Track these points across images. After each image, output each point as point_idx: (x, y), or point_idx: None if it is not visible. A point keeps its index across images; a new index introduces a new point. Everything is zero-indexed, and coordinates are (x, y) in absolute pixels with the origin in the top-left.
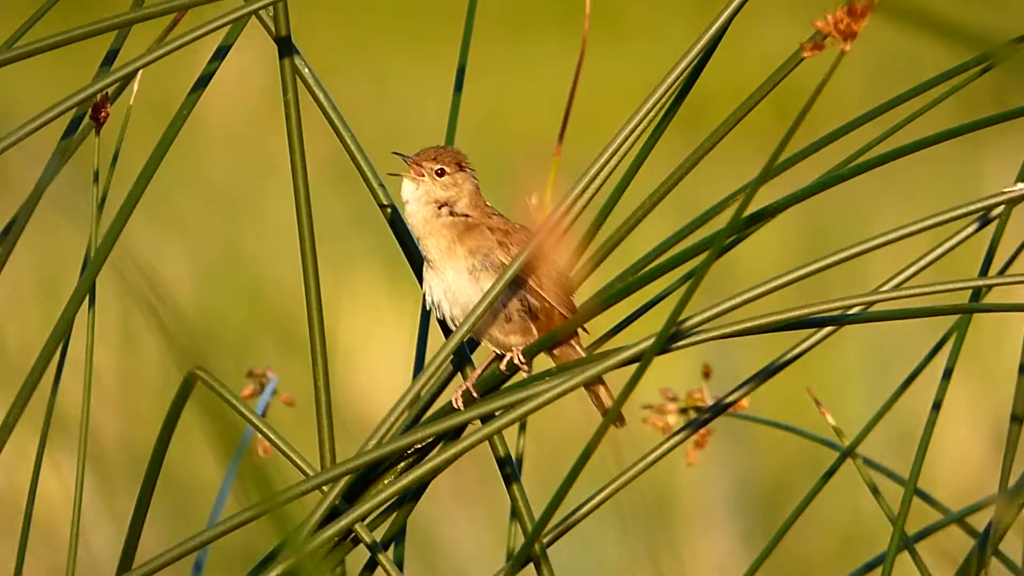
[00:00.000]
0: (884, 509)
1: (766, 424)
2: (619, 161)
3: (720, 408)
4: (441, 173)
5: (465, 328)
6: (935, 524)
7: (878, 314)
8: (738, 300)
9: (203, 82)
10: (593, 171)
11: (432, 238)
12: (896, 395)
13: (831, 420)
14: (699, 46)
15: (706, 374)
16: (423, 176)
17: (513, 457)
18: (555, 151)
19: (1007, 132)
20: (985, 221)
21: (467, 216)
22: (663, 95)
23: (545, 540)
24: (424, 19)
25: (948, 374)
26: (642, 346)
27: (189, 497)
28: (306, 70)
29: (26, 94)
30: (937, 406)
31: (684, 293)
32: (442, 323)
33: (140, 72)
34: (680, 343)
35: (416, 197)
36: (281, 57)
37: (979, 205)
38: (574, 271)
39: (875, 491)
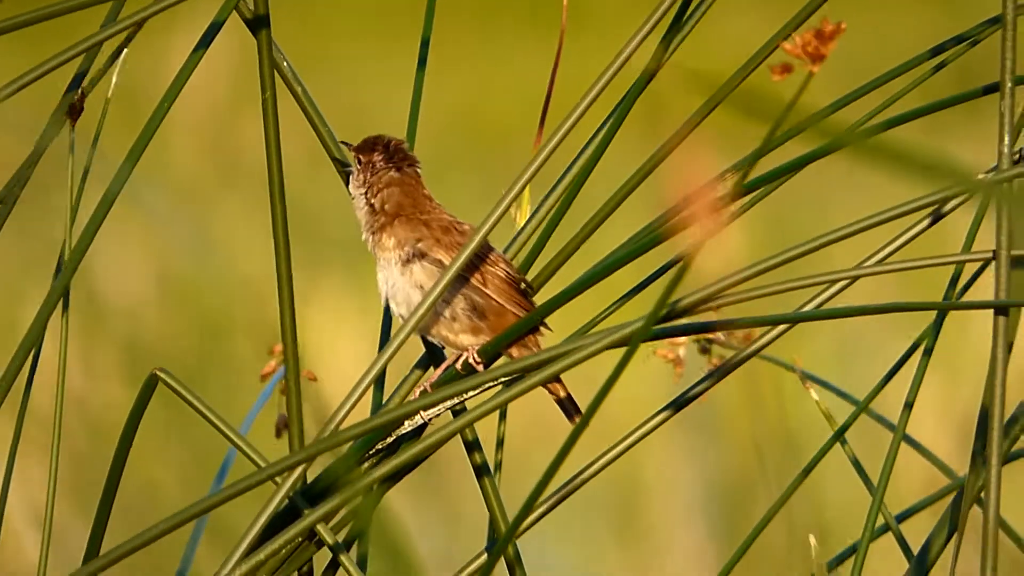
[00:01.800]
0: (873, 489)
1: (782, 366)
2: (581, 152)
3: (732, 362)
4: (359, 162)
5: (408, 327)
6: (906, 510)
7: (852, 309)
8: (718, 287)
9: (183, 76)
10: (538, 161)
11: (363, 230)
12: (877, 389)
13: (815, 395)
14: (650, 24)
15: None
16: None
17: (481, 447)
18: (535, 142)
19: (971, 124)
20: (939, 216)
21: (386, 208)
22: (611, 78)
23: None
24: (395, 13)
25: (920, 372)
26: (630, 329)
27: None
28: (284, 63)
29: None
30: (909, 406)
31: (676, 273)
32: (388, 320)
33: (118, 63)
34: (669, 323)
35: (350, 189)
36: (260, 50)
37: (942, 195)
38: (721, 239)
39: (865, 478)
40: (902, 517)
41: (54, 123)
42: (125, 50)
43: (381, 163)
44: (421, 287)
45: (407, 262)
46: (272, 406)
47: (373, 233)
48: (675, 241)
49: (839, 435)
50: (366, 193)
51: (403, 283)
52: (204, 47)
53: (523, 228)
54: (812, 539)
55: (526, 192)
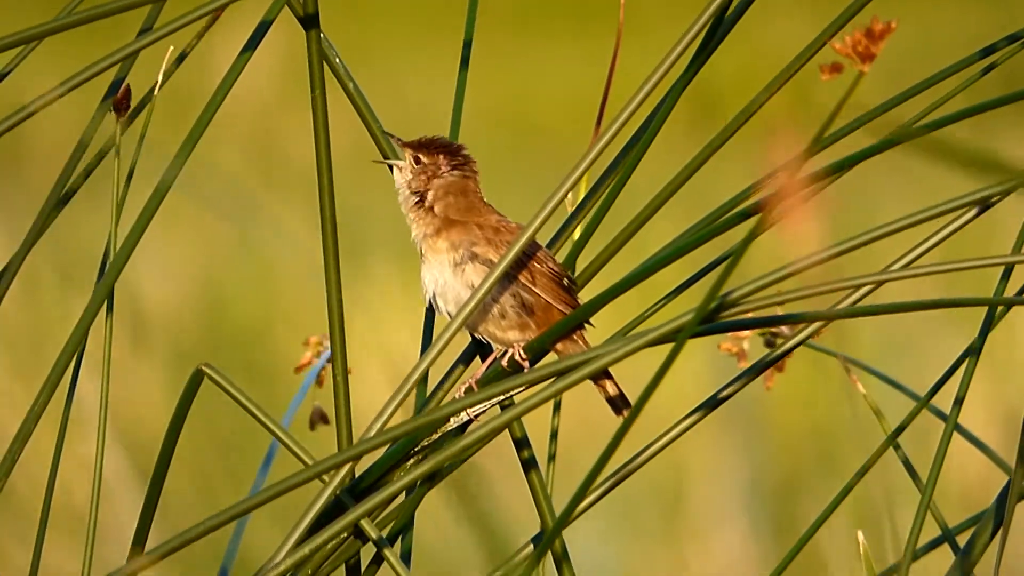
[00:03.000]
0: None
1: (829, 354)
2: (627, 152)
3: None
4: (417, 161)
5: (456, 323)
6: (950, 529)
7: (900, 305)
8: (766, 280)
9: (232, 74)
10: (591, 157)
11: (415, 228)
12: (935, 389)
13: (862, 389)
14: (698, 26)
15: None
16: (403, 163)
17: (530, 442)
18: (592, 137)
19: (1017, 124)
20: (984, 208)
21: (442, 210)
22: (660, 78)
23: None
24: (439, 13)
25: (970, 372)
26: (680, 321)
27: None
28: (336, 59)
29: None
30: (959, 402)
31: (727, 265)
32: (433, 318)
33: (164, 64)
34: (723, 315)
35: (399, 186)
36: (309, 47)
37: (985, 192)
38: (809, 229)
39: (914, 475)
40: (955, 529)
41: (100, 120)
42: (172, 48)
43: (446, 167)
44: (472, 286)
45: (459, 263)
46: (311, 401)
47: (427, 235)
48: (722, 239)
49: (894, 437)
50: (424, 194)
51: (455, 283)
52: (252, 48)
53: (571, 218)
54: (860, 536)
55: (584, 181)
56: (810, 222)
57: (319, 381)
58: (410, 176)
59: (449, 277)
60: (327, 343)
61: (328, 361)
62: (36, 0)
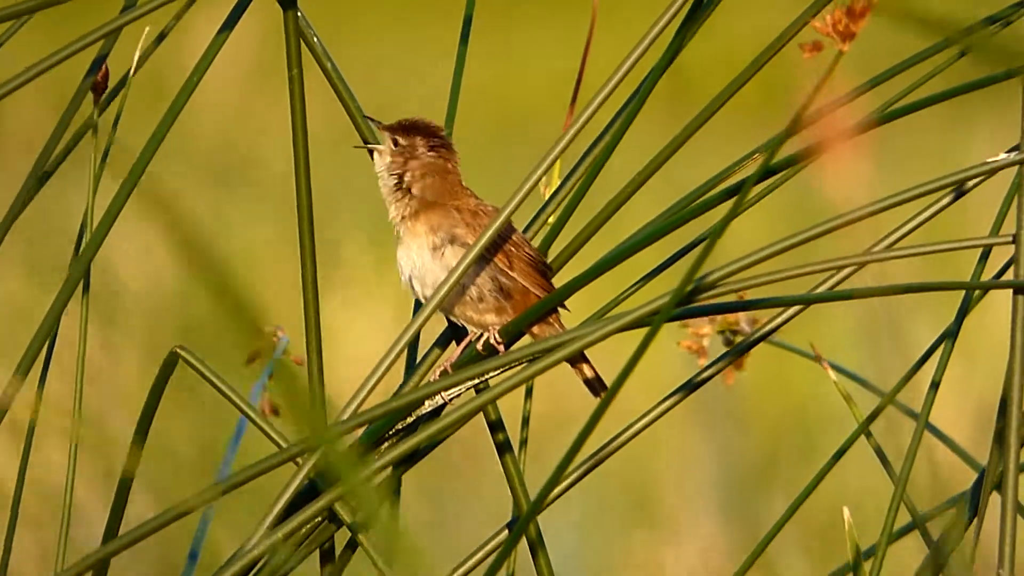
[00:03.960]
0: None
1: (798, 353)
2: (604, 136)
3: (754, 336)
4: (396, 143)
5: (432, 305)
6: (925, 514)
7: (873, 290)
8: (743, 263)
9: (207, 57)
10: (564, 142)
11: (392, 210)
12: (903, 382)
13: (833, 376)
14: (674, 9)
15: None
16: (382, 146)
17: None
18: (565, 121)
19: (990, 111)
20: (960, 193)
21: (421, 192)
22: (634, 62)
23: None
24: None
25: (944, 359)
26: (651, 307)
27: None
28: (315, 39)
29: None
30: (933, 391)
31: (705, 246)
32: (418, 301)
33: (139, 47)
34: (699, 297)
35: (380, 169)
36: (286, 27)
37: (962, 175)
38: (854, 172)
39: (887, 464)
40: (924, 515)
41: (76, 103)
42: (148, 28)
43: (423, 148)
44: (450, 269)
45: (438, 247)
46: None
47: (405, 217)
48: (697, 223)
49: (864, 427)
50: (402, 176)
51: (433, 265)
52: (230, 28)
53: (547, 204)
54: (846, 512)
55: (557, 166)
56: (854, 159)
57: (271, 374)
58: (389, 159)
59: (427, 260)
60: (282, 334)
61: (283, 353)
62: None
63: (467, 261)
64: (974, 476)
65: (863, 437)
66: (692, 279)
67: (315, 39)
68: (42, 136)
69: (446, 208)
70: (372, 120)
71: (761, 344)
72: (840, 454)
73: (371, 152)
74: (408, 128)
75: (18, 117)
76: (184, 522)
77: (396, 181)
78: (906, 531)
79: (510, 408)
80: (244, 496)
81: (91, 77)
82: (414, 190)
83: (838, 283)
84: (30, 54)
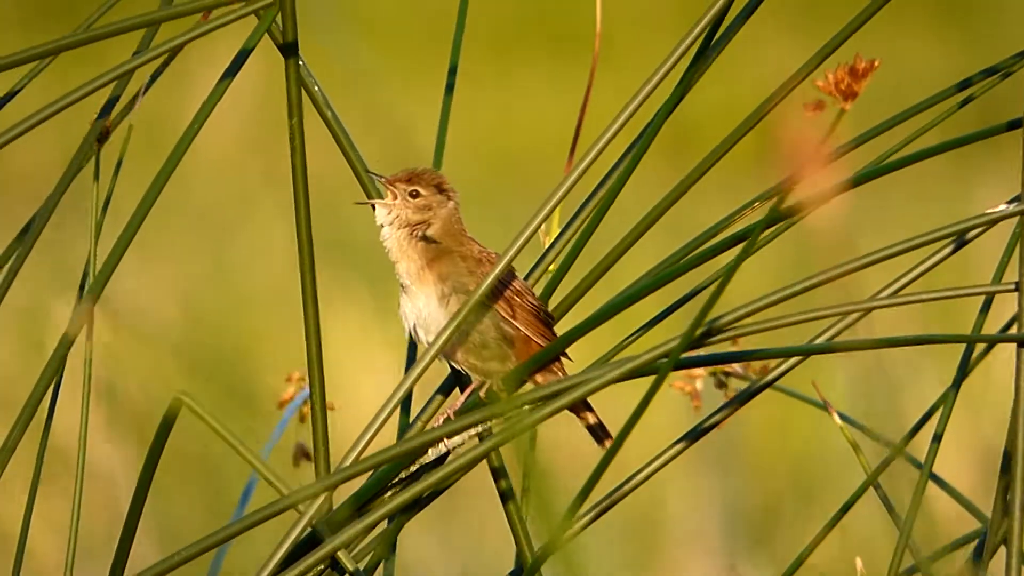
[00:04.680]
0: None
1: (804, 400)
2: (604, 184)
3: (752, 387)
4: (415, 195)
5: (433, 350)
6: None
7: (870, 342)
8: (746, 310)
9: (210, 103)
10: (564, 189)
11: (403, 262)
12: (913, 432)
13: (838, 420)
14: (676, 56)
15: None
16: (395, 199)
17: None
18: (566, 166)
19: (993, 158)
20: (962, 243)
21: (438, 241)
22: (633, 111)
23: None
24: (416, 44)
25: (948, 409)
26: (653, 354)
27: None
28: (316, 88)
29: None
30: (937, 440)
31: (715, 289)
32: (417, 349)
33: (142, 90)
34: (705, 343)
35: (388, 220)
36: (288, 76)
37: (963, 226)
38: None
39: (891, 511)
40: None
41: (82, 149)
42: (150, 76)
43: (428, 196)
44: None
45: (445, 295)
46: (293, 433)
47: (415, 267)
48: (694, 273)
49: (873, 478)
50: (423, 227)
51: (439, 314)
52: (232, 75)
53: (547, 251)
54: (859, 562)
55: (556, 214)
56: (826, 181)
57: (301, 417)
58: (408, 211)
59: (434, 309)
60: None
61: (308, 398)
62: (28, 23)
63: (467, 308)
64: (976, 524)
65: (877, 495)
66: (702, 323)
67: (316, 87)
68: (45, 177)
69: (452, 257)
70: (376, 175)
71: (776, 387)
72: (848, 507)
73: (373, 205)
74: (422, 179)
75: (21, 158)
76: (192, 570)
77: (410, 231)
78: (911, 572)
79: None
80: (255, 543)
81: (101, 120)
82: (429, 237)
83: (842, 330)
84: (33, 96)
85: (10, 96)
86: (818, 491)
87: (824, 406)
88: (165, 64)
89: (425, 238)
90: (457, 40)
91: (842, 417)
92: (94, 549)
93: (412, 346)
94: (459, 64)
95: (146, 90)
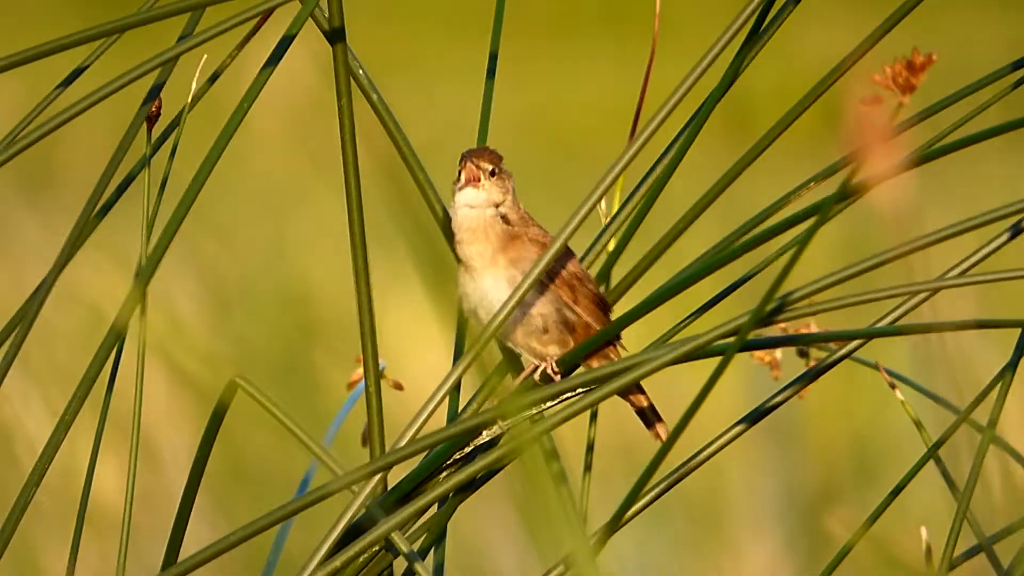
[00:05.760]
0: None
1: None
2: (661, 162)
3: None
4: (494, 173)
5: (492, 328)
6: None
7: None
8: (809, 290)
9: (256, 88)
10: (619, 166)
11: (477, 244)
12: (972, 406)
13: (900, 396)
14: (731, 32)
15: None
16: (480, 179)
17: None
18: (628, 141)
19: None
20: (1017, 230)
21: (513, 223)
22: (690, 86)
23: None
24: (468, 19)
25: (1006, 386)
26: (728, 327)
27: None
28: (360, 71)
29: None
30: (994, 419)
31: (787, 262)
32: (464, 333)
33: (197, 72)
34: (776, 320)
35: (479, 201)
36: (335, 60)
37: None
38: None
39: (954, 488)
40: (994, 539)
41: (133, 134)
42: (204, 57)
43: (503, 175)
44: (524, 302)
45: (514, 279)
46: (361, 414)
47: (494, 250)
48: (752, 256)
49: (933, 451)
50: (500, 205)
51: (506, 299)
52: (275, 63)
53: (605, 229)
54: (924, 532)
55: (617, 189)
56: (893, 162)
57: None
58: (496, 190)
59: (502, 292)
60: (380, 360)
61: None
62: (79, 9)
63: (526, 287)
64: None
65: (937, 468)
66: (772, 298)
67: (360, 71)
68: (97, 166)
69: (524, 241)
70: (464, 156)
71: (824, 368)
72: (911, 476)
73: (458, 185)
74: (490, 156)
75: (74, 149)
76: (255, 553)
77: (495, 212)
78: (973, 553)
79: (574, 432)
80: (322, 526)
81: (146, 106)
82: (512, 217)
83: (908, 310)
84: (87, 83)
85: (78, 73)
86: (879, 470)
87: (891, 384)
88: (243, 42)
89: (505, 219)
90: (497, 23)
91: (903, 381)
92: (148, 533)
93: (462, 330)
94: (514, 42)
95: (211, 81)
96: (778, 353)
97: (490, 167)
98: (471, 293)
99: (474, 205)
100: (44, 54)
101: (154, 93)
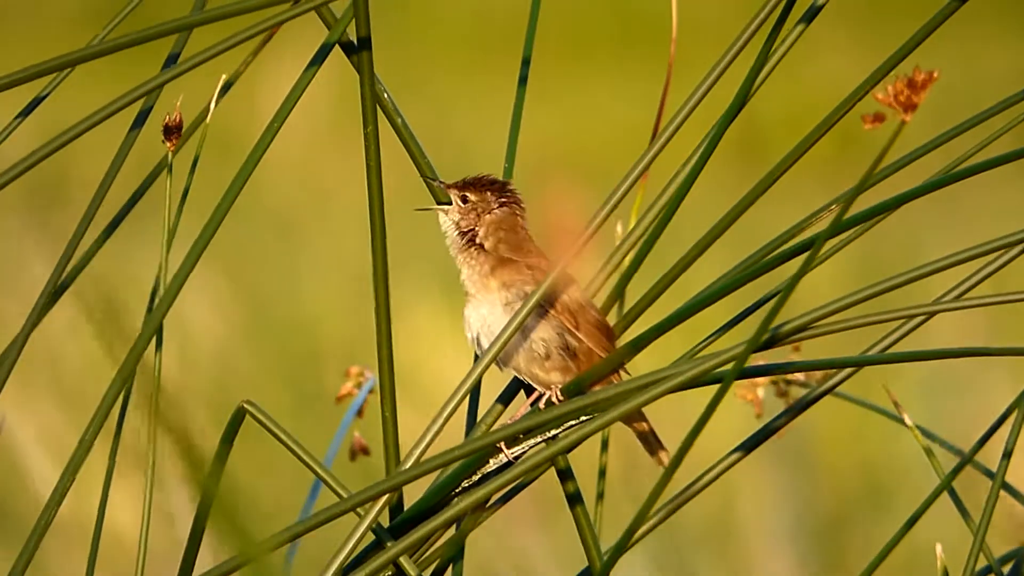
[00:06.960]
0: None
1: (870, 408)
2: (673, 179)
3: (810, 396)
4: (464, 200)
5: (491, 354)
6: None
7: (933, 353)
8: (817, 315)
9: (280, 116)
10: (622, 190)
11: (465, 268)
12: (987, 435)
13: (909, 421)
14: (735, 47)
15: (796, 349)
16: (449, 204)
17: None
18: (642, 177)
19: None
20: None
21: (493, 248)
22: (691, 108)
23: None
24: (485, 50)
25: (1020, 419)
26: (727, 355)
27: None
28: (385, 95)
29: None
30: (1008, 453)
31: (779, 298)
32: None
33: (215, 96)
34: (769, 347)
35: (445, 227)
36: (362, 86)
37: None
38: (590, 282)
39: (966, 516)
40: (1004, 560)
41: (127, 145)
42: (224, 76)
43: (494, 203)
44: (522, 327)
45: (509, 303)
46: (358, 430)
47: (477, 274)
48: (763, 280)
49: (946, 484)
50: (474, 232)
51: (504, 322)
52: (302, 89)
53: (618, 248)
54: (939, 549)
55: (635, 209)
56: (580, 252)
57: (360, 412)
58: (458, 216)
59: (498, 316)
60: (368, 373)
61: (370, 392)
62: (83, 24)
63: (526, 311)
64: None
65: (951, 500)
66: (767, 329)
67: (385, 95)
68: (109, 184)
69: (518, 265)
70: (436, 180)
71: (835, 393)
72: (924, 508)
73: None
74: (476, 184)
75: (84, 165)
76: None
77: (467, 238)
78: (984, 574)
79: (585, 456)
80: (331, 546)
81: (138, 129)
82: (487, 245)
83: (908, 332)
84: (92, 102)
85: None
86: (890, 495)
87: (899, 413)
88: (256, 51)
89: (479, 244)
90: (528, 47)
91: (919, 429)
92: (159, 555)
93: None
94: (531, 68)
95: (223, 92)
96: (760, 391)
97: (460, 193)
98: (472, 319)
99: (444, 231)
100: (44, 72)
101: (146, 115)
